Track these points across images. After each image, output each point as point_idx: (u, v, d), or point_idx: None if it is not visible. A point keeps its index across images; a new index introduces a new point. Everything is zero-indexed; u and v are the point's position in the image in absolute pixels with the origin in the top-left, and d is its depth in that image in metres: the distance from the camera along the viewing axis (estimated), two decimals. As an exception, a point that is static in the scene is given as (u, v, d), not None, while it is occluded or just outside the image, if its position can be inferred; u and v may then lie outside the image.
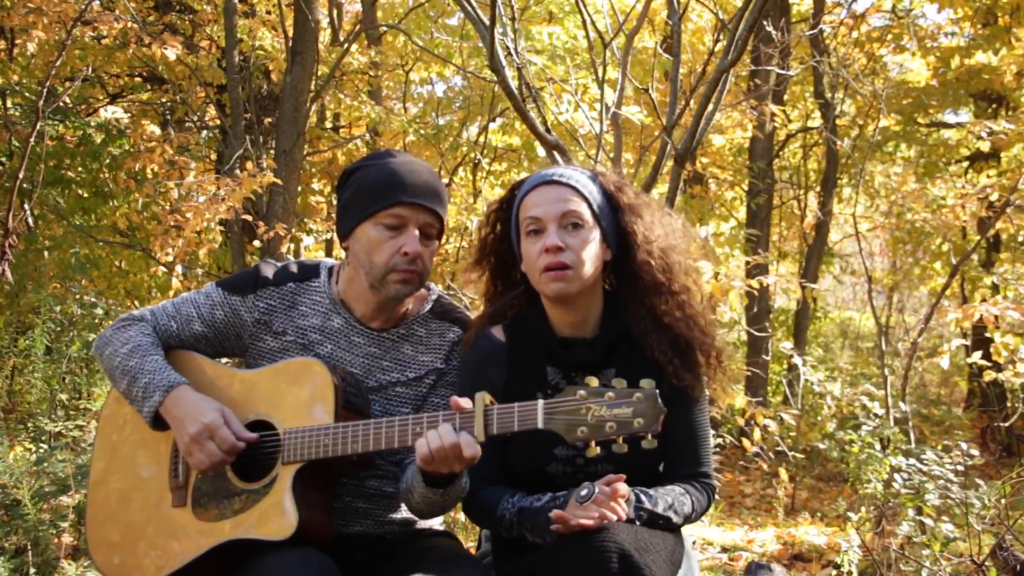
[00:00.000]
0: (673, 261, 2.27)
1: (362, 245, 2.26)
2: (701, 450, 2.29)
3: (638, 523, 2.07)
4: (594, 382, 1.92)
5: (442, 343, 2.38)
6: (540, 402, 1.94)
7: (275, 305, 2.34)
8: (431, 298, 2.41)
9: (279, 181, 6.37)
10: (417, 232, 2.25)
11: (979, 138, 7.39)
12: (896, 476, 3.77)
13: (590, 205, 2.22)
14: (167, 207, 5.92)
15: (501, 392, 2.21)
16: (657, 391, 1.89)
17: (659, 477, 2.27)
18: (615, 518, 1.98)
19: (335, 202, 2.42)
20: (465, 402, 2.01)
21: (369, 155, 2.35)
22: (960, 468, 3.82)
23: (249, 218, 6.42)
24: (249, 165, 6.11)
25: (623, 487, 2.03)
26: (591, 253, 2.20)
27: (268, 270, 2.38)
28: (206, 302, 2.35)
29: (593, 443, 1.90)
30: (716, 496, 2.36)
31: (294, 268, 2.39)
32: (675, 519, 2.16)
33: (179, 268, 6.78)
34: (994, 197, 6.04)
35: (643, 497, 2.11)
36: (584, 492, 2.03)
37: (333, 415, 2.12)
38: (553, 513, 2.00)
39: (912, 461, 3.85)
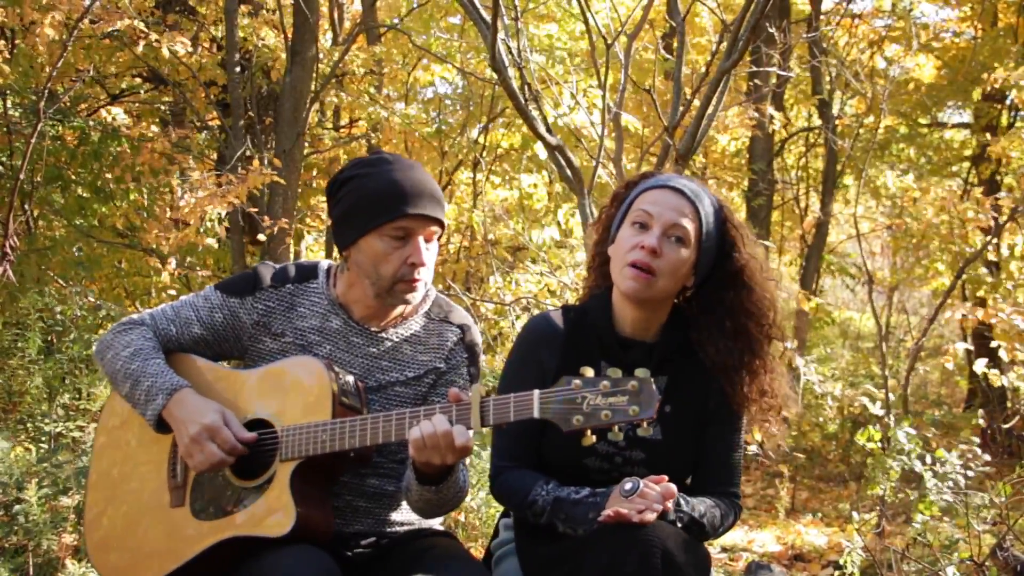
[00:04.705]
0: (772, 315, 2.28)
1: (367, 257, 2.25)
2: (734, 469, 2.30)
3: (679, 524, 2.08)
4: (589, 372, 1.92)
5: (441, 343, 2.37)
6: (536, 392, 1.94)
7: (273, 307, 2.34)
8: (429, 298, 2.41)
9: (281, 180, 6.37)
10: (422, 240, 2.25)
11: (987, 143, 7.40)
12: (925, 475, 3.74)
13: (700, 230, 2.21)
14: (166, 204, 5.88)
15: (552, 377, 2.19)
16: (652, 378, 1.88)
17: (686, 489, 2.27)
18: (659, 510, 1.98)
19: (328, 209, 2.35)
20: (464, 394, 2.02)
21: (361, 161, 2.31)
22: (971, 474, 3.81)
23: (255, 210, 6.39)
24: (255, 163, 6.09)
25: (671, 486, 2.04)
26: (679, 272, 2.20)
27: (266, 272, 2.37)
28: (205, 305, 2.35)
29: (589, 432, 1.90)
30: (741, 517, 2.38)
31: (292, 270, 2.39)
32: (707, 528, 2.16)
33: (172, 263, 6.74)
34: (1006, 202, 6.09)
35: (682, 500, 2.11)
36: (629, 486, 2.03)
37: (331, 412, 2.13)
38: (604, 515, 1.99)
39: (928, 460, 3.83)
